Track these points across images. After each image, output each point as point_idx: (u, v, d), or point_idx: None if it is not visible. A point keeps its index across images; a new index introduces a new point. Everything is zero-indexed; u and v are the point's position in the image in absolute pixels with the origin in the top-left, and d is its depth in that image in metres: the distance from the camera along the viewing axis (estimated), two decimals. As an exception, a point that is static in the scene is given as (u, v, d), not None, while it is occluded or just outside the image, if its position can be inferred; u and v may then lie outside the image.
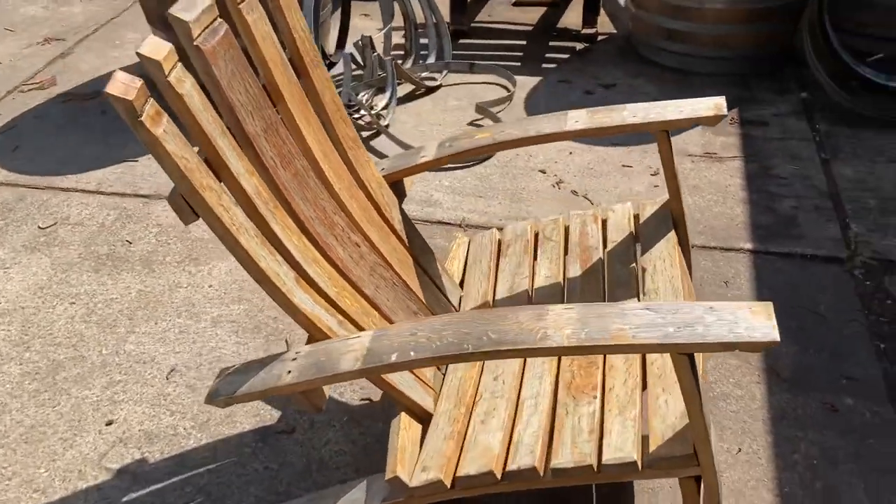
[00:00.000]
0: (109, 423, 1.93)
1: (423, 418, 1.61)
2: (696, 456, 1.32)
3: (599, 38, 3.85)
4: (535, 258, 1.96)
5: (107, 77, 3.66)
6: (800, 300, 2.26)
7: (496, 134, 1.85)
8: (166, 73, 1.27)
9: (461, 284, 1.99)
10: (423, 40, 3.63)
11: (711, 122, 1.72)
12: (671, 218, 1.90)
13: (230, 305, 2.29)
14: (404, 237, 1.89)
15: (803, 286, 2.31)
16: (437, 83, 3.42)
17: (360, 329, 1.58)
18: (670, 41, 3.48)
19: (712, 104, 1.74)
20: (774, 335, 1.16)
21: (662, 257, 1.81)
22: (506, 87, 3.41)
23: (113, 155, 3.06)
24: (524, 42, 3.85)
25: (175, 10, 1.37)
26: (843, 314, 2.19)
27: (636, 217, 1.96)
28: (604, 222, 1.97)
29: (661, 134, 1.77)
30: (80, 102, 3.44)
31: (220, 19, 1.47)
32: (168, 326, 2.22)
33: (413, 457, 1.52)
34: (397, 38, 3.78)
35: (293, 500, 1.60)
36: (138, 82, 1.21)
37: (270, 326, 2.21)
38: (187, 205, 1.31)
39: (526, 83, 3.43)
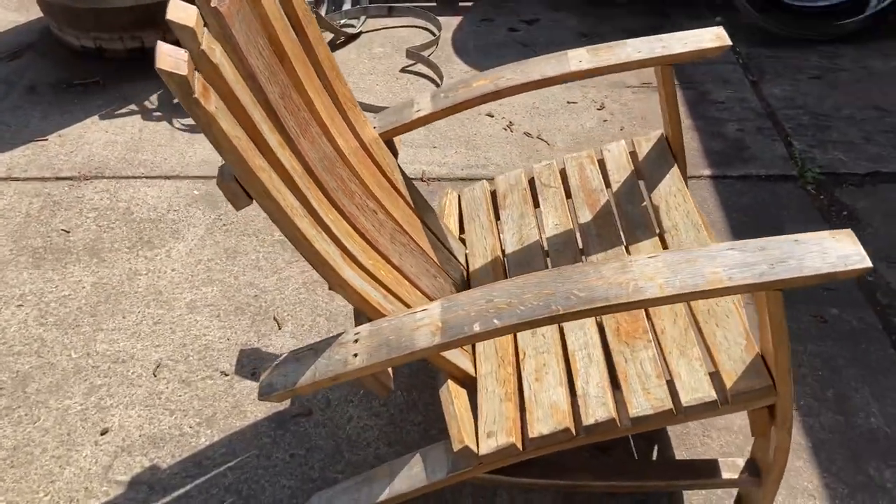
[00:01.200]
0: (104, 433, 1.76)
1: (467, 382, 1.56)
2: (773, 386, 1.35)
3: (509, -28, 3.78)
4: (536, 206, 1.92)
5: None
6: (766, 219, 2.35)
7: (497, 80, 1.77)
8: (200, 41, 1.12)
9: (462, 241, 1.92)
10: (332, -15, 3.45)
11: (715, 52, 1.72)
12: (670, 152, 1.91)
13: (201, 288, 2.12)
14: (409, 198, 1.80)
15: (766, 206, 2.40)
16: (357, 30, 3.26)
17: (402, 301, 1.50)
18: (585, -28, 3.47)
19: (714, 35, 1.74)
20: (867, 261, 1.18)
21: (672, 193, 1.81)
22: (429, 30, 3.30)
23: (16, 136, 2.73)
24: (434, -19, 3.73)
25: (188, -31, 1.20)
26: (808, 229, 2.28)
27: (632, 154, 1.95)
28: (601, 163, 1.95)
29: (666, 69, 1.76)
30: (-43, 78, 3.05)
31: (226, -24, 1.31)
32: (139, 319, 2.04)
33: (471, 423, 1.47)
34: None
35: (337, 486, 1.53)
36: (185, 54, 1.06)
37: (253, 306, 2.07)
38: (241, 189, 1.18)
39: (447, 23, 3.34)
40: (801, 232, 1.26)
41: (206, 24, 1.17)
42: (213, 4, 1.22)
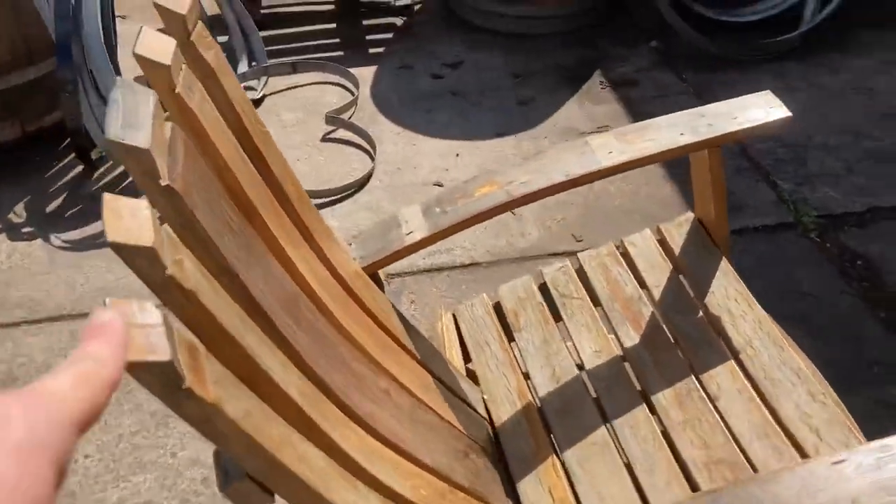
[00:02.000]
0: None
1: None
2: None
3: (415, 6, 3.38)
4: (558, 321, 1.53)
5: None
6: (779, 280, 2.07)
7: (508, 187, 1.38)
8: (164, 261, 0.67)
9: (472, 374, 1.52)
10: (219, 39, 2.93)
11: (779, 126, 1.39)
12: (710, 239, 1.57)
13: (130, 478, 1.61)
14: (412, 348, 1.37)
15: (774, 262, 2.12)
16: (259, 94, 2.78)
17: (454, 525, 1.09)
18: (504, 4, 3.12)
19: (765, 101, 1.42)
20: None
21: (732, 297, 1.47)
22: (342, 86, 2.86)
23: None
24: (334, 25, 3.28)
25: (116, 135, 0.74)
26: (828, 288, 2.03)
27: (661, 243, 1.60)
28: (626, 258, 1.59)
29: (714, 150, 1.42)
30: None
31: (169, 123, 0.85)
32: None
33: None
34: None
35: None
36: (157, 316, 0.60)
37: (204, 494, 1.58)
38: (257, 485, 0.73)
39: (361, 75, 2.90)
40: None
41: (161, 221, 0.72)
42: (164, 183, 0.76)
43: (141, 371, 0.56)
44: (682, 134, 1.38)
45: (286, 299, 1.02)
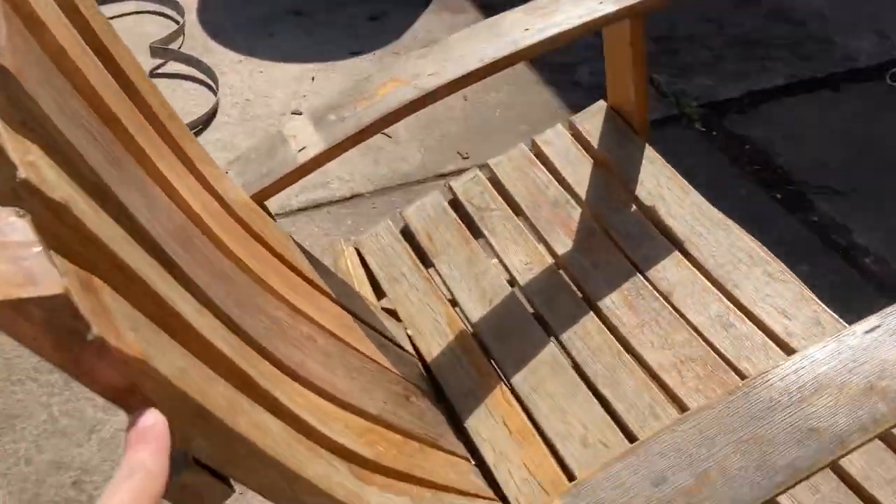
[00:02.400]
0: None
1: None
2: None
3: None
4: (478, 238, 1.35)
5: None
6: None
7: (416, 81, 1.17)
8: (14, 162, 0.42)
9: (392, 314, 1.31)
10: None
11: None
12: (629, 127, 1.43)
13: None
14: (323, 285, 1.14)
15: (666, 157, 2.03)
16: (67, 30, 2.36)
17: (414, 478, 0.89)
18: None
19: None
20: None
21: (664, 184, 1.34)
22: (164, 14, 2.48)
23: None
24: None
25: None
26: (722, 176, 1.98)
27: (576, 137, 1.44)
28: (541, 158, 1.42)
29: (636, 20, 1.26)
30: None
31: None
32: None
33: None
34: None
35: None
36: (21, 227, 0.36)
37: (75, 502, 1.30)
38: (209, 474, 0.49)
39: (184, 1, 2.53)
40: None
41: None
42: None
43: (16, 317, 0.32)
44: (600, 3, 1.21)
45: (177, 232, 0.76)
